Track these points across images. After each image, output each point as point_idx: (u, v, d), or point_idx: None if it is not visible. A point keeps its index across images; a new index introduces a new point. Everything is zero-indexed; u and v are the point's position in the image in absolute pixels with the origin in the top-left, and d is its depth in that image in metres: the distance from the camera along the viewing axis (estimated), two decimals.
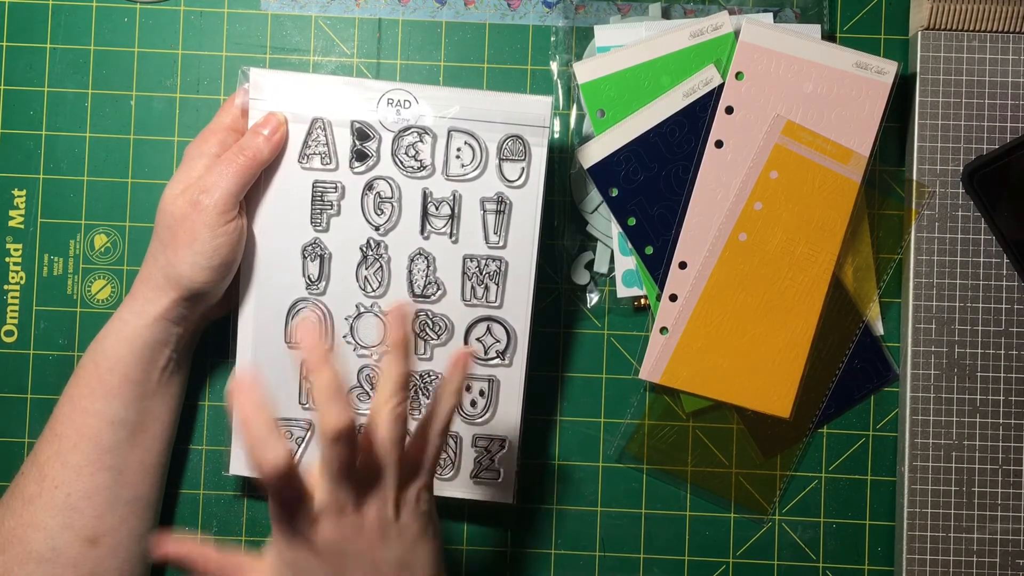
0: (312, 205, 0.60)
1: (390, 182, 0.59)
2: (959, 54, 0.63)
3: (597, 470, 0.65)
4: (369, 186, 0.60)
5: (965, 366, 0.62)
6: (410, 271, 0.60)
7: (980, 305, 0.63)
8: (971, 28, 0.63)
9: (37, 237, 0.65)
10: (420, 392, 0.61)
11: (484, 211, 0.60)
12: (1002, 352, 0.62)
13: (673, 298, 0.62)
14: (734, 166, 0.61)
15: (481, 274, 0.60)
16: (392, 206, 0.60)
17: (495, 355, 0.61)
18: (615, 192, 0.62)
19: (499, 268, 0.60)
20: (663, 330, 0.62)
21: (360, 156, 0.59)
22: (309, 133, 0.59)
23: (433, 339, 0.61)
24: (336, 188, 0.59)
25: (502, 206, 0.59)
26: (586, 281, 0.65)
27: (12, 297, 0.65)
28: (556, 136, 0.64)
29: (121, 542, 0.58)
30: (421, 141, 0.59)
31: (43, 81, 0.65)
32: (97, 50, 0.65)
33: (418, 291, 0.60)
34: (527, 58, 0.65)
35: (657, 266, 0.62)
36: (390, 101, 0.59)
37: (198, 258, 0.56)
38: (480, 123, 0.59)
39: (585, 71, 0.62)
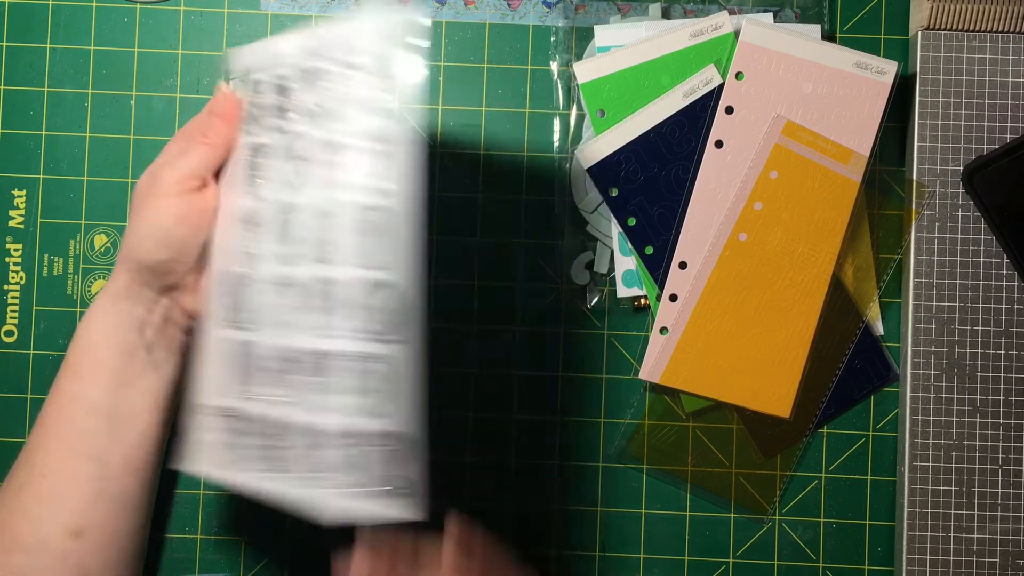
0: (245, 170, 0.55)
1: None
2: (959, 54, 0.63)
3: (597, 470, 0.65)
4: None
5: (965, 366, 0.62)
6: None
7: (980, 305, 0.63)
8: (971, 28, 0.63)
9: (37, 237, 0.65)
10: None
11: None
12: (1002, 352, 0.62)
13: (673, 298, 0.62)
14: (734, 166, 0.61)
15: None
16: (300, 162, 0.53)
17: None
18: (615, 192, 0.62)
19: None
20: (663, 330, 0.62)
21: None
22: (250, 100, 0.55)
23: None
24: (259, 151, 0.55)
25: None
26: (586, 281, 0.65)
27: (12, 297, 0.65)
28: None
29: (108, 539, 0.58)
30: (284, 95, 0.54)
31: (43, 81, 0.65)
32: (97, 50, 0.65)
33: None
34: (527, 58, 0.65)
35: (657, 266, 0.62)
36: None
37: (149, 230, 0.55)
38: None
39: (585, 71, 0.62)
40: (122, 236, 0.58)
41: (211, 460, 0.55)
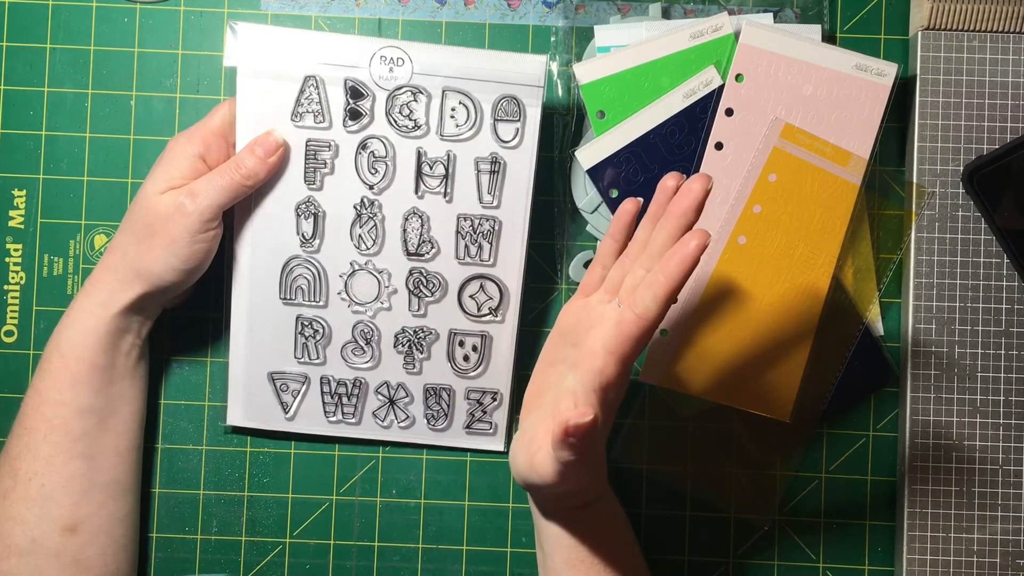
0: (305, 163, 0.60)
1: (384, 141, 0.60)
2: (959, 54, 0.63)
3: None
4: (363, 145, 0.60)
5: (965, 366, 0.62)
6: (404, 230, 0.61)
7: (980, 305, 0.63)
8: (971, 28, 0.62)
9: (37, 237, 0.65)
10: (414, 347, 0.62)
11: (478, 171, 0.60)
12: (1002, 352, 0.63)
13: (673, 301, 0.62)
14: (734, 168, 0.61)
15: (475, 233, 0.61)
16: (386, 165, 0.60)
17: (488, 312, 0.62)
18: (615, 193, 0.62)
19: (492, 227, 0.61)
20: (663, 332, 0.62)
21: (354, 115, 0.59)
22: (302, 91, 0.59)
23: (427, 296, 0.61)
24: (330, 147, 0.60)
25: (496, 166, 0.60)
26: None
27: (12, 297, 0.65)
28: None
29: (101, 527, 0.58)
30: (415, 100, 0.59)
31: (43, 81, 0.65)
32: (97, 50, 0.65)
33: (412, 249, 0.61)
34: None
35: None
36: (383, 59, 0.59)
37: (173, 260, 0.57)
38: (475, 82, 0.59)
39: (585, 72, 0.62)
40: (120, 250, 0.58)
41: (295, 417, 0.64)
